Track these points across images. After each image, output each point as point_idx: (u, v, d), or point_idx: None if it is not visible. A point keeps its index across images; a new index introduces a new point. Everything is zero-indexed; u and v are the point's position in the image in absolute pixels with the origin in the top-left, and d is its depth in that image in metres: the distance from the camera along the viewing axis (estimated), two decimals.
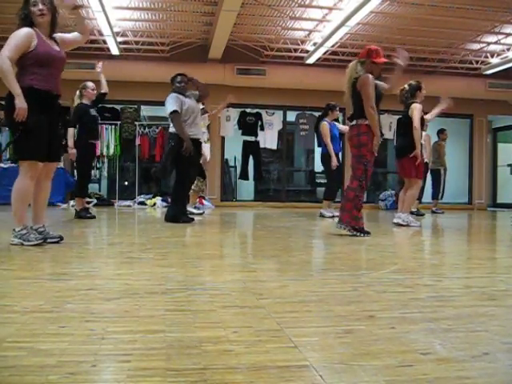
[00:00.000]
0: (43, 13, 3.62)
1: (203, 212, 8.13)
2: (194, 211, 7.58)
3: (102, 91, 6.93)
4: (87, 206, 7.19)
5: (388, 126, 11.83)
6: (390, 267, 2.99)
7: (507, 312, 2.00)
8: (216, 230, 5.94)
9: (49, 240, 3.72)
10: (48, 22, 3.68)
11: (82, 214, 6.50)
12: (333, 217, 7.68)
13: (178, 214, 5.96)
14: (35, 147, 3.54)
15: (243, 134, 11.99)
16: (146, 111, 11.86)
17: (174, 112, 5.86)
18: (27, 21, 3.61)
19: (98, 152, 10.93)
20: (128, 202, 10.82)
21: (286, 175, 13.06)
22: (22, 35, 3.54)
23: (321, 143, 7.84)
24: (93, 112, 6.69)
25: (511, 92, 11.96)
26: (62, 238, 3.78)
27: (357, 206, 4.67)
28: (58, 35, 3.83)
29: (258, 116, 11.92)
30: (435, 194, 10.00)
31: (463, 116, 12.92)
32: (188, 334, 1.59)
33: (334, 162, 7.36)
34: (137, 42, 10.65)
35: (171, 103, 5.92)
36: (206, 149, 7.91)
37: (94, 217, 6.61)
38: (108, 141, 10.94)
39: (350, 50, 10.99)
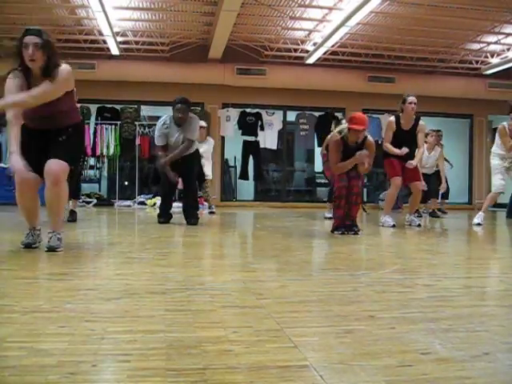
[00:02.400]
0: (33, 58, 3.28)
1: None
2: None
3: None
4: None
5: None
6: (390, 267, 2.99)
7: (507, 312, 2.00)
8: (216, 230, 5.94)
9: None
10: (40, 68, 3.35)
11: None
12: (331, 218, 7.66)
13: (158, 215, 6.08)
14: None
15: (243, 134, 11.99)
16: (145, 111, 11.86)
17: (159, 147, 5.90)
18: (18, 59, 3.33)
19: (98, 152, 10.97)
20: (128, 202, 10.82)
21: (285, 175, 13.06)
22: (9, 90, 3.33)
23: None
24: None
25: (511, 92, 11.97)
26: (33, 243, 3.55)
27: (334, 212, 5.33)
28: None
29: (258, 116, 11.91)
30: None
31: (463, 116, 12.93)
32: (188, 334, 1.59)
33: None
34: (137, 42, 10.65)
35: (156, 136, 5.92)
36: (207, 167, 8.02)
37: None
38: (108, 141, 10.93)
39: (350, 50, 10.99)
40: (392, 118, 6.17)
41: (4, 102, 3.22)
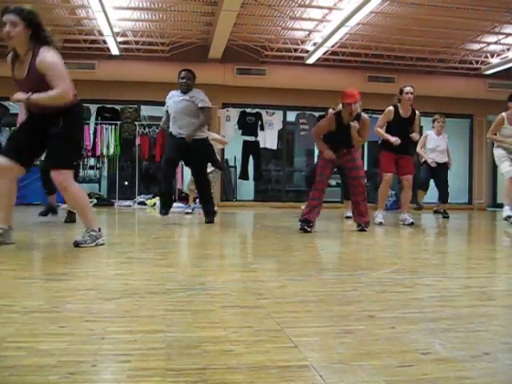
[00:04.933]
0: (9, 36, 3.28)
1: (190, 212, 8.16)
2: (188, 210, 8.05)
3: None
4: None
5: None
6: (390, 267, 2.99)
7: (507, 312, 1.99)
8: (216, 230, 5.94)
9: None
10: (20, 43, 3.33)
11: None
12: (350, 217, 7.58)
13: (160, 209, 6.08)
14: (6, 145, 3.60)
15: (243, 134, 11.99)
16: (145, 111, 11.86)
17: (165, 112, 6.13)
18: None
19: (98, 152, 10.98)
20: (128, 202, 10.82)
21: (285, 175, 13.06)
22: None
23: None
24: None
25: (511, 92, 11.96)
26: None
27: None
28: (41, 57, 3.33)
29: (258, 116, 11.92)
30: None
31: (463, 116, 12.93)
32: (188, 334, 1.59)
33: None
34: (137, 42, 10.66)
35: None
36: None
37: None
38: (108, 141, 10.93)
39: (350, 50, 11.00)
40: (391, 108, 6.37)
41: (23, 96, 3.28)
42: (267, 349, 1.45)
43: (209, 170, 8.12)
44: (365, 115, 5.35)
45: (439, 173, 8.21)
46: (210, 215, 6.11)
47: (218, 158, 8.20)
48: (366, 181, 5.54)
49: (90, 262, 3.09)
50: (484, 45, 10.83)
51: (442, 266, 3.35)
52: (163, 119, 6.21)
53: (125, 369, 1.29)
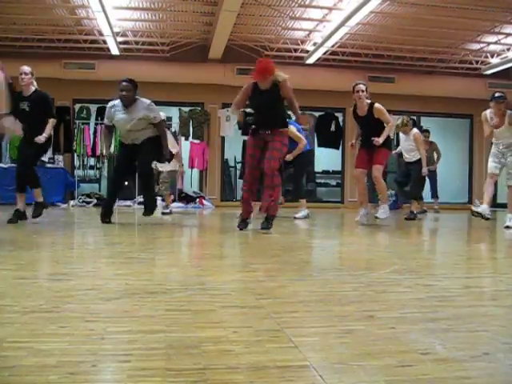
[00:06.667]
0: None
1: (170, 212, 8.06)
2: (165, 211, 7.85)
3: None
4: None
5: None
6: (390, 267, 2.99)
7: (507, 312, 1.99)
8: (216, 230, 5.94)
9: None
10: None
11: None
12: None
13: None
14: None
15: (243, 133, 11.98)
16: None
17: (105, 126, 6.18)
18: None
19: (98, 151, 10.97)
20: (128, 202, 10.82)
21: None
22: None
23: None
24: (22, 105, 5.56)
25: (511, 92, 11.97)
26: None
27: None
28: None
29: None
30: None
31: (463, 116, 12.93)
32: (188, 334, 1.59)
33: None
34: (137, 42, 10.66)
35: (105, 115, 6.06)
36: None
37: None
38: None
39: (350, 50, 11.00)
40: (352, 108, 6.40)
41: None
42: (267, 349, 1.45)
43: (168, 169, 7.92)
44: (284, 83, 4.94)
45: (410, 172, 8.24)
46: (149, 209, 5.79)
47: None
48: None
49: (89, 262, 3.09)
50: (484, 45, 10.83)
51: (442, 265, 3.35)
52: (105, 140, 6.41)
53: (125, 369, 1.29)
